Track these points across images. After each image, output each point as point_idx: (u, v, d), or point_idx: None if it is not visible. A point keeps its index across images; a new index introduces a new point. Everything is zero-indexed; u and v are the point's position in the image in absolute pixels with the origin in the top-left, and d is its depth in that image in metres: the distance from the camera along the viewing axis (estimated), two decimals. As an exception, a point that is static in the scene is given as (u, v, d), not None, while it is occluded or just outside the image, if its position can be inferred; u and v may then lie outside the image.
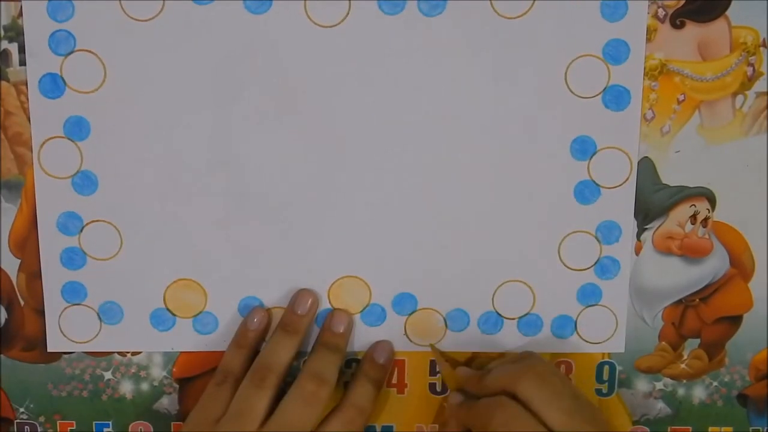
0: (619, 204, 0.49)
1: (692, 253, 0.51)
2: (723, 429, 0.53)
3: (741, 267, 0.51)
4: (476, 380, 0.47)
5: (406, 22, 0.47)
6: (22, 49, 0.48)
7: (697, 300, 0.51)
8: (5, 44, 0.48)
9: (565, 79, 0.48)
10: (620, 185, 0.49)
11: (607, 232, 0.50)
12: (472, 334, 0.51)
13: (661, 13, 0.48)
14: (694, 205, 0.50)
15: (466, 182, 0.49)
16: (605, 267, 0.50)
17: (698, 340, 0.52)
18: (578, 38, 0.47)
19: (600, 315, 0.51)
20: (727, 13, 0.48)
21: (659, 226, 0.50)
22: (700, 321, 0.52)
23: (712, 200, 0.50)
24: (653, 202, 0.50)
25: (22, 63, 0.48)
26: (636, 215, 0.50)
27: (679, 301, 0.51)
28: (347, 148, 0.49)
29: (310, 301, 0.50)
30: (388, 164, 0.49)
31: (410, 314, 0.51)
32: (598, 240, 0.50)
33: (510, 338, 0.51)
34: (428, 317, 0.51)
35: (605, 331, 0.51)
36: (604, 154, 0.49)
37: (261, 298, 0.51)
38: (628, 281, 0.50)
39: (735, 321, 0.52)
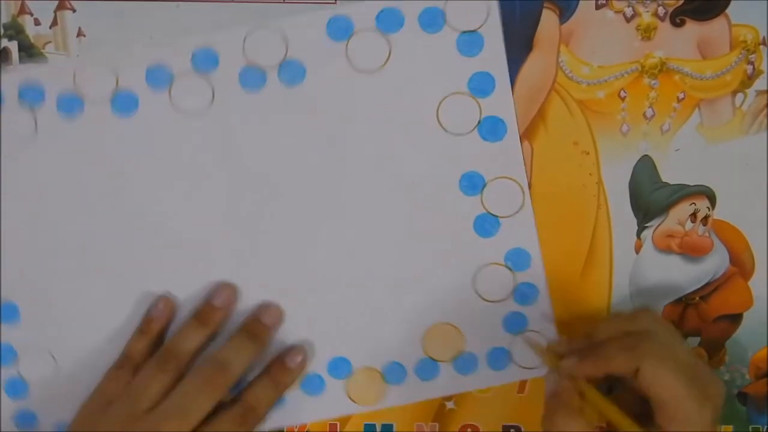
0: (520, 231, 0.49)
1: (692, 252, 0.51)
2: (723, 428, 0.53)
3: (741, 265, 0.51)
4: (589, 337, 0.46)
5: (271, 96, 0.48)
6: (21, 47, 0.48)
7: (697, 298, 0.51)
8: (5, 42, 0.48)
9: (438, 120, 0.48)
10: (517, 213, 0.49)
11: (517, 260, 0.50)
12: (412, 384, 0.51)
13: (661, 11, 0.48)
14: (694, 203, 0.50)
15: (369, 239, 0.49)
16: (523, 293, 0.50)
17: (698, 339, 0.52)
18: (441, 79, 0.48)
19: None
20: (727, 11, 0.48)
21: (659, 225, 0.50)
22: (700, 319, 0.52)
23: (712, 198, 0.50)
24: (653, 200, 0.50)
25: (22, 61, 0.48)
26: (636, 213, 0.50)
27: (679, 300, 0.51)
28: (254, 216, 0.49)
29: (226, 294, 0.49)
30: (295, 236, 0.49)
31: (347, 377, 0.51)
32: (509, 269, 0.50)
33: (449, 381, 0.51)
34: (367, 376, 0.51)
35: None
36: (494, 186, 0.49)
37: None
38: (549, 302, 0.50)
39: (735, 319, 0.52)
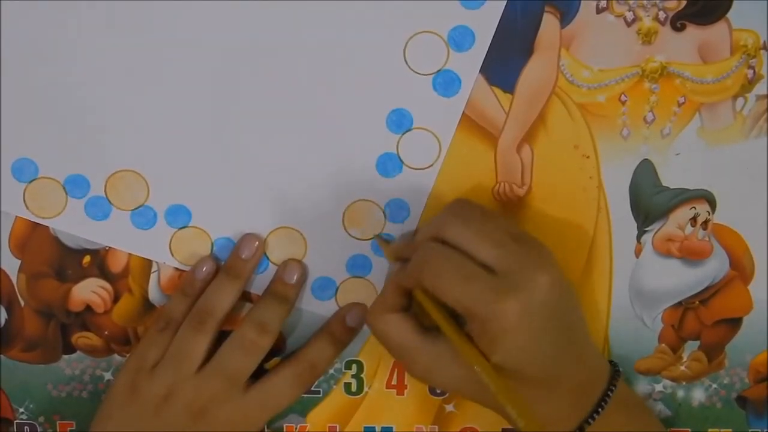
0: (416, 184, 0.49)
1: (692, 256, 0.51)
2: (722, 431, 0.53)
3: (741, 269, 0.51)
4: (410, 245, 0.46)
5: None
6: (22, 50, 0.48)
7: (697, 302, 0.51)
8: (6, 45, 0.48)
9: (404, 52, 0.48)
10: (424, 168, 0.49)
11: (397, 211, 0.49)
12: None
13: (661, 15, 0.48)
14: (694, 207, 0.50)
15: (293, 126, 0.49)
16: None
17: (698, 342, 0.52)
18: (428, 14, 0.47)
19: None
20: (728, 15, 0.48)
21: (659, 229, 0.50)
22: (700, 323, 0.52)
23: (712, 202, 0.50)
24: (653, 204, 0.50)
25: (23, 63, 0.48)
26: (636, 217, 0.50)
27: (679, 304, 0.51)
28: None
29: (255, 245, 0.49)
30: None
31: (179, 229, 0.50)
32: (384, 214, 0.49)
33: None
34: (195, 235, 0.50)
35: None
36: (416, 133, 0.48)
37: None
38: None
39: (734, 323, 0.52)
